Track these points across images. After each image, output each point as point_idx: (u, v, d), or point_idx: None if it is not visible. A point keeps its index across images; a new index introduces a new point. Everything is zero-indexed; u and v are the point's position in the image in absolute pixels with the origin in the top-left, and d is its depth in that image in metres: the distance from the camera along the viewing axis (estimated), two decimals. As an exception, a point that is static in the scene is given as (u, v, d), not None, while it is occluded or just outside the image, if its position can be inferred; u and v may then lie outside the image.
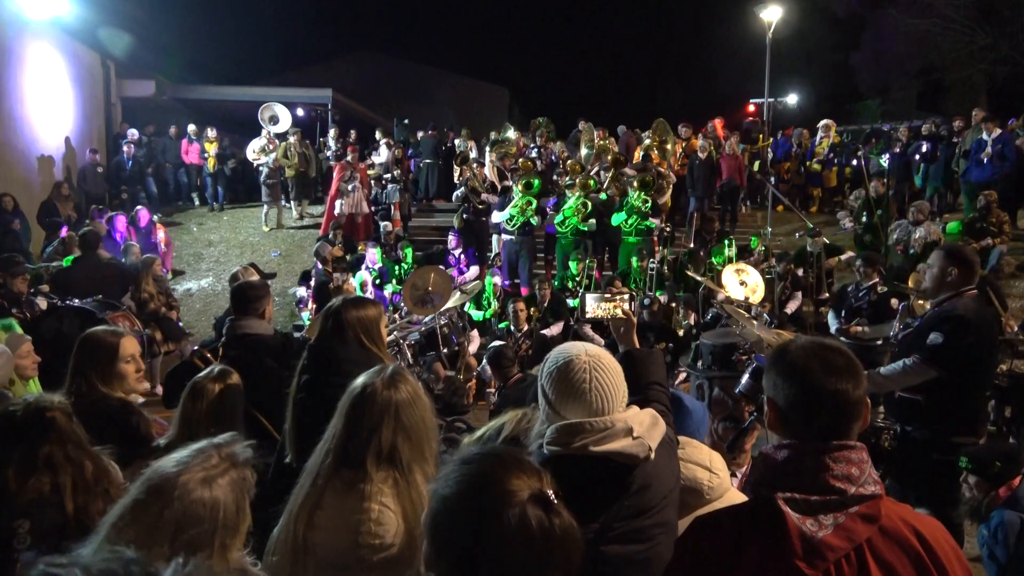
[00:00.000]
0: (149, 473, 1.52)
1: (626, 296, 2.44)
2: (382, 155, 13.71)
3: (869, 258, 7.23)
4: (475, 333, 8.56)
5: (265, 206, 13.99)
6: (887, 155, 11.47)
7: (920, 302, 6.68)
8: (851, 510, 1.39)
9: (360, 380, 2.02)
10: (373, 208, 12.72)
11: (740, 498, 2.09)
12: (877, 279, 7.00)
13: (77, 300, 6.21)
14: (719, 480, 2.14)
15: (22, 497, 1.99)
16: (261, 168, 14.56)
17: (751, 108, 20.82)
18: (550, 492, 1.22)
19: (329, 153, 14.40)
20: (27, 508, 1.98)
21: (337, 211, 12.02)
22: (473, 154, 13.27)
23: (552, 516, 1.20)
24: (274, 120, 14.55)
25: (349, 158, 12.64)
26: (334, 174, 12.42)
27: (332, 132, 15.15)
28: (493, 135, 15.04)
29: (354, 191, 12.05)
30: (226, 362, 3.47)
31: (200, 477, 1.51)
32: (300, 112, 15.60)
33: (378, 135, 14.40)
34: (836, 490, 1.40)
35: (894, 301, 6.77)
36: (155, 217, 11.68)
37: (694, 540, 1.54)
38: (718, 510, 1.72)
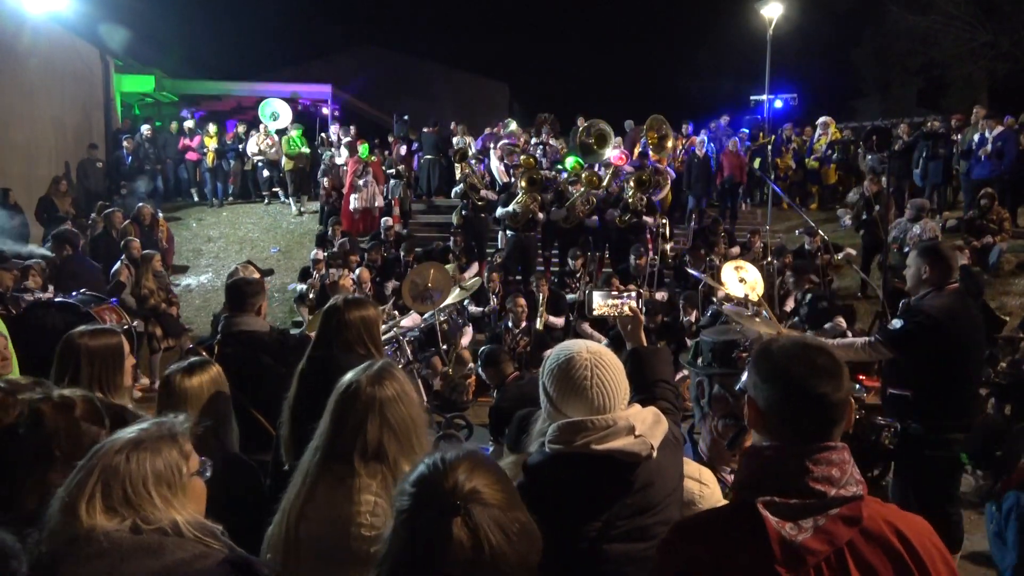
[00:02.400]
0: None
1: (633, 293, 2.43)
2: (342, 156, 13.67)
3: (798, 268, 7.40)
4: (468, 328, 8.57)
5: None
6: (885, 152, 11.45)
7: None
8: (832, 512, 1.37)
9: (347, 377, 2.02)
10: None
11: None
12: (809, 285, 7.14)
13: (60, 294, 6.17)
14: (709, 491, 2.18)
15: (32, 499, 1.98)
16: (260, 164, 14.59)
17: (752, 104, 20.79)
18: (479, 520, 1.21)
19: (333, 150, 14.34)
20: (35, 515, 1.97)
21: (352, 206, 11.99)
22: (472, 150, 13.24)
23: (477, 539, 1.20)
24: (275, 116, 14.56)
25: (359, 152, 12.60)
26: (347, 169, 12.37)
27: (333, 128, 15.14)
28: (493, 130, 15.03)
29: (366, 186, 11.99)
30: (222, 359, 3.45)
31: (127, 439, 1.58)
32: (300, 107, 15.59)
33: (341, 136, 14.32)
34: (816, 493, 1.38)
35: (821, 305, 7.08)
36: (159, 215, 11.65)
37: (677, 544, 1.53)
38: (700, 513, 1.72)
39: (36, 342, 3.95)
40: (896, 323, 3.79)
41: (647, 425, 1.79)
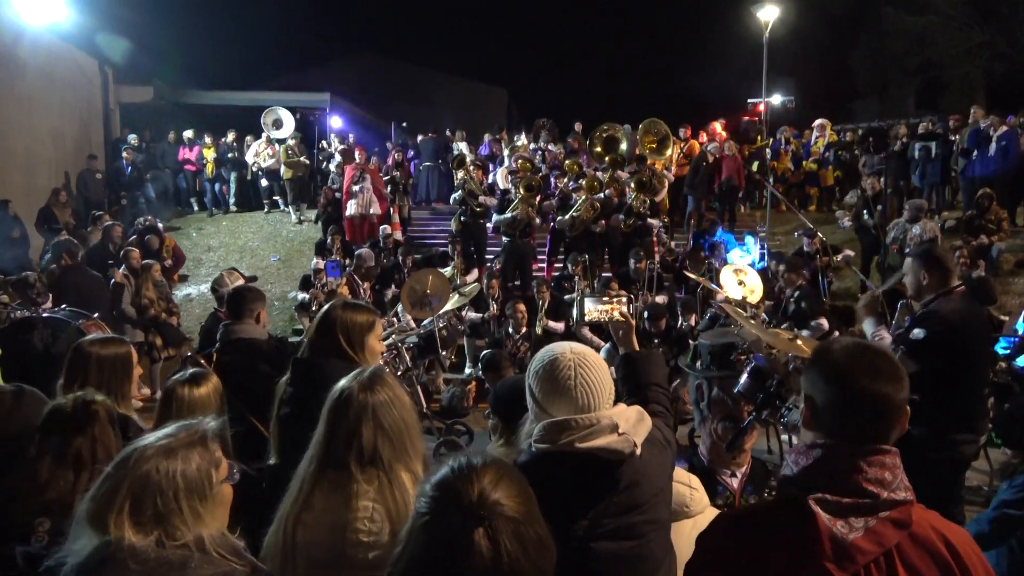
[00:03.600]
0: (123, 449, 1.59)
1: (624, 299, 2.43)
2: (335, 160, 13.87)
3: (790, 264, 7.37)
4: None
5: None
6: (883, 154, 11.50)
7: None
8: (882, 514, 1.38)
9: (339, 384, 2.05)
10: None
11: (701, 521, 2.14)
12: (801, 282, 7.20)
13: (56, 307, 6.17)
14: (699, 495, 2.22)
15: (48, 492, 2.03)
16: (259, 173, 14.62)
17: (760, 107, 20.82)
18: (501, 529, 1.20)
19: (335, 160, 14.40)
20: (49, 505, 2.01)
21: (349, 212, 12.01)
22: (469, 157, 13.27)
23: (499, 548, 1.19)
24: (277, 124, 14.59)
25: (358, 159, 12.64)
26: (344, 175, 12.40)
27: (334, 136, 15.19)
28: (497, 136, 15.12)
29: (363, 191, 12.02)
30: (220, 367, 3.46)
31: (157, 447, 1.55)
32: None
33: (337, 144, 14.45)
34: (869, 493, 1.39)
35: (805, 305, 7.09)
36: (160, 225, 11.63)
37: (719, 537, 1.54)
38: (745, 507, 1.71)
39: (19, 356, 3.97)
40: (918, 332, 3.71)
41: (631, 423, 1.81)
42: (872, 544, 1.36)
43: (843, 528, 1.37)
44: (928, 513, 1.48)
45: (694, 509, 2.18)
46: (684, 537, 2.06)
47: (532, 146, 13.97)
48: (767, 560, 1.42)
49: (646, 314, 7.77)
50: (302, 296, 9.97)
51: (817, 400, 1.52)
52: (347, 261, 10.25)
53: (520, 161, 11.59)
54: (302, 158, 14.36)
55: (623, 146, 11.66)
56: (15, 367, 3.71)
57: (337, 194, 12.54)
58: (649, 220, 10.25)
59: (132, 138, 14.71)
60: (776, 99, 14.72)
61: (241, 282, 4.97)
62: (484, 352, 5.83)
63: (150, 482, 1.50)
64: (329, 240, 11.22)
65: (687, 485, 2.21)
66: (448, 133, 15.59)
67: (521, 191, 10.10)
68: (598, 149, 11.26)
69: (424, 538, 1.23)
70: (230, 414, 2.68)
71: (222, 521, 1.63)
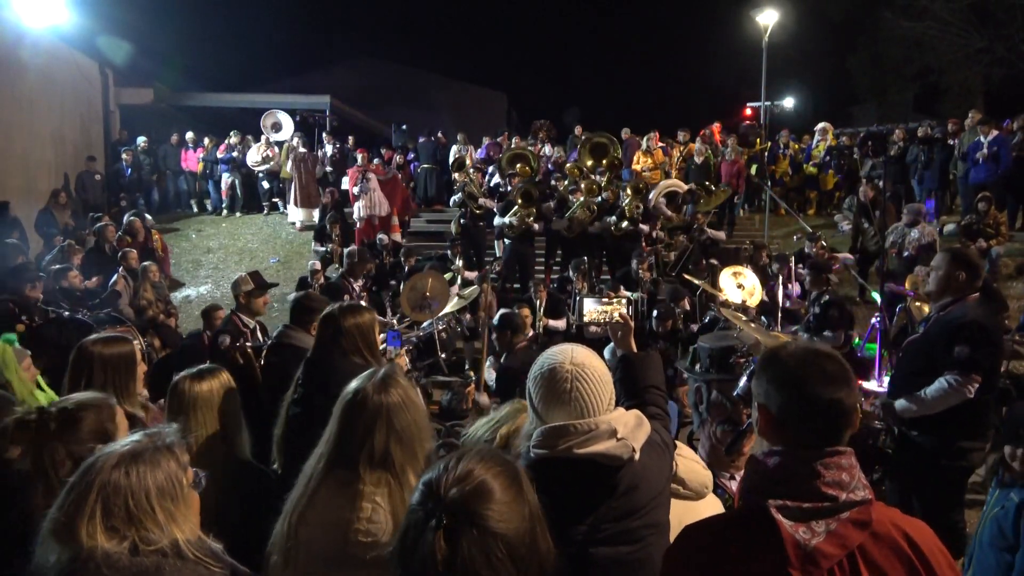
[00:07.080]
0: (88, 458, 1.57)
1: (623, 300, 2.43)
2: (288, 166, 13.93)
3: (816, 266, 7.16)
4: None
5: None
6: (882, 158, 11.52)
7: (918, 304, 6.70)
8: (843, 516, 1.39)
9: (352, 385, 2.04)
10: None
11: (715, 501, 2.20)
12: (824, 287, 6.92)
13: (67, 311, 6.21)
14: (710, 475, 2.24)
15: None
16: (260, 174, 14.63)
17: (748, 112, 20.88)
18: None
19: (328, 162, 14.38)
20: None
21: (356, 215, 11.99)
22: (469, 160, 13.27)
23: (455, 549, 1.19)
24: (276, 127, 14.60)
25: (360, 162, 12.63)
26: (348, 179, 12.38)
27: (325, 138, 15.18)
28: (498, 139, 15.13)
29: (367, 192, 11.98)
30: (266, 366, 3.70)
31: (122, 453, 1.52)
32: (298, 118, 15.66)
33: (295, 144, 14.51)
34: (828, 496, 1.40)
35: (833, 312, 6.68)
36: (153, 225, 11.65)
37: (685, 549, 1.54)
38: (708, 518, 1.73)
39: (42, 355, 4.06)
40: (964, 349, 3.58)
41: (629, 428, 1.80)
42: (835, 547, 1.37)
43: (805, 534, 1.37)
44: (888, 510, 1.48)
45: (707, 490, 2.20)
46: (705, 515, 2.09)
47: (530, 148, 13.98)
48: (732, 569, 1.42)
49: (655, 313, 7.77)
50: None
51: (771, 408, 1.52)
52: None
53: (519, 165, 11.58)
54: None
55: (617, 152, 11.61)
56: (45, 364, 3.83)
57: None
58: (640, 225, 10.24)
59: (141, 140, 14.74)
60: (785, 103, 14.67)
61: (251, 286, 5.10)
62: (500, 311, 5.77)
63: (120, 486, 1.46)
64: (328, 228, 11.21)
65: (701, 465, 2.23)
66: (442, 136, 15.55)
67: (519, 200, 10.08)
68: (589, 161, 11.12)
69: (404, 528, 1.26)
70: (246, 415, 2.66)
71: (194, 524, 1.61)
